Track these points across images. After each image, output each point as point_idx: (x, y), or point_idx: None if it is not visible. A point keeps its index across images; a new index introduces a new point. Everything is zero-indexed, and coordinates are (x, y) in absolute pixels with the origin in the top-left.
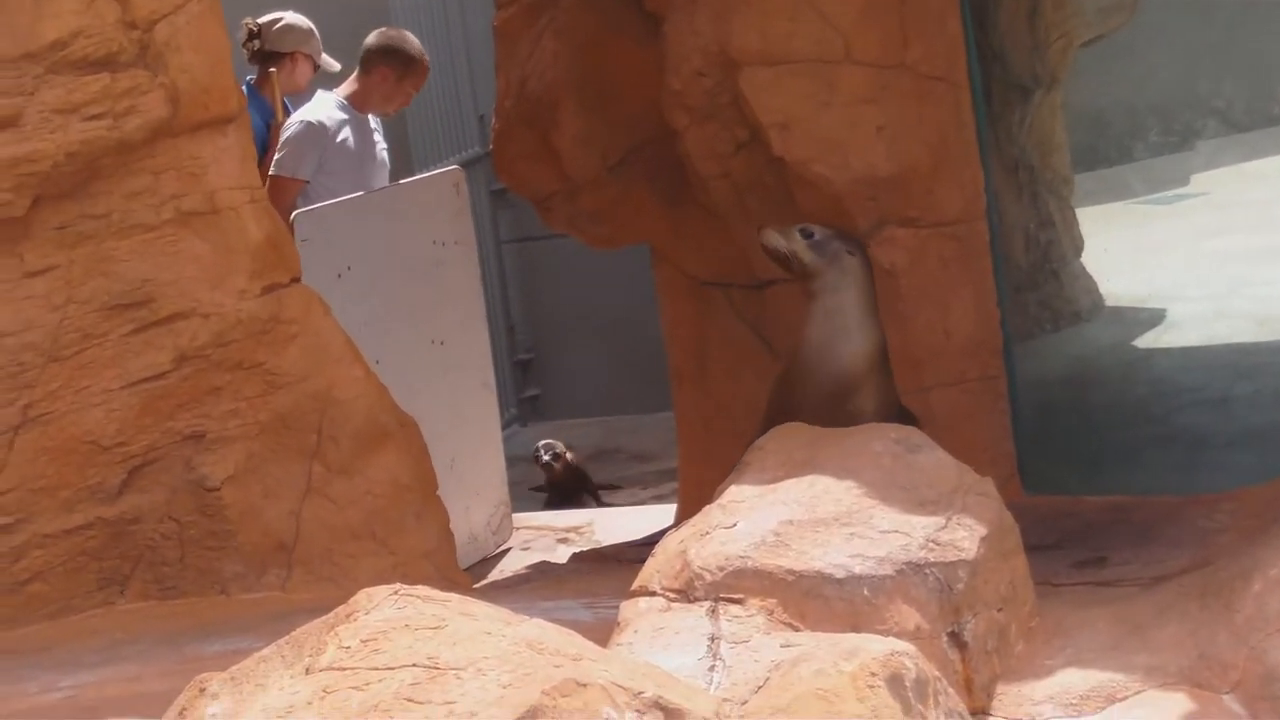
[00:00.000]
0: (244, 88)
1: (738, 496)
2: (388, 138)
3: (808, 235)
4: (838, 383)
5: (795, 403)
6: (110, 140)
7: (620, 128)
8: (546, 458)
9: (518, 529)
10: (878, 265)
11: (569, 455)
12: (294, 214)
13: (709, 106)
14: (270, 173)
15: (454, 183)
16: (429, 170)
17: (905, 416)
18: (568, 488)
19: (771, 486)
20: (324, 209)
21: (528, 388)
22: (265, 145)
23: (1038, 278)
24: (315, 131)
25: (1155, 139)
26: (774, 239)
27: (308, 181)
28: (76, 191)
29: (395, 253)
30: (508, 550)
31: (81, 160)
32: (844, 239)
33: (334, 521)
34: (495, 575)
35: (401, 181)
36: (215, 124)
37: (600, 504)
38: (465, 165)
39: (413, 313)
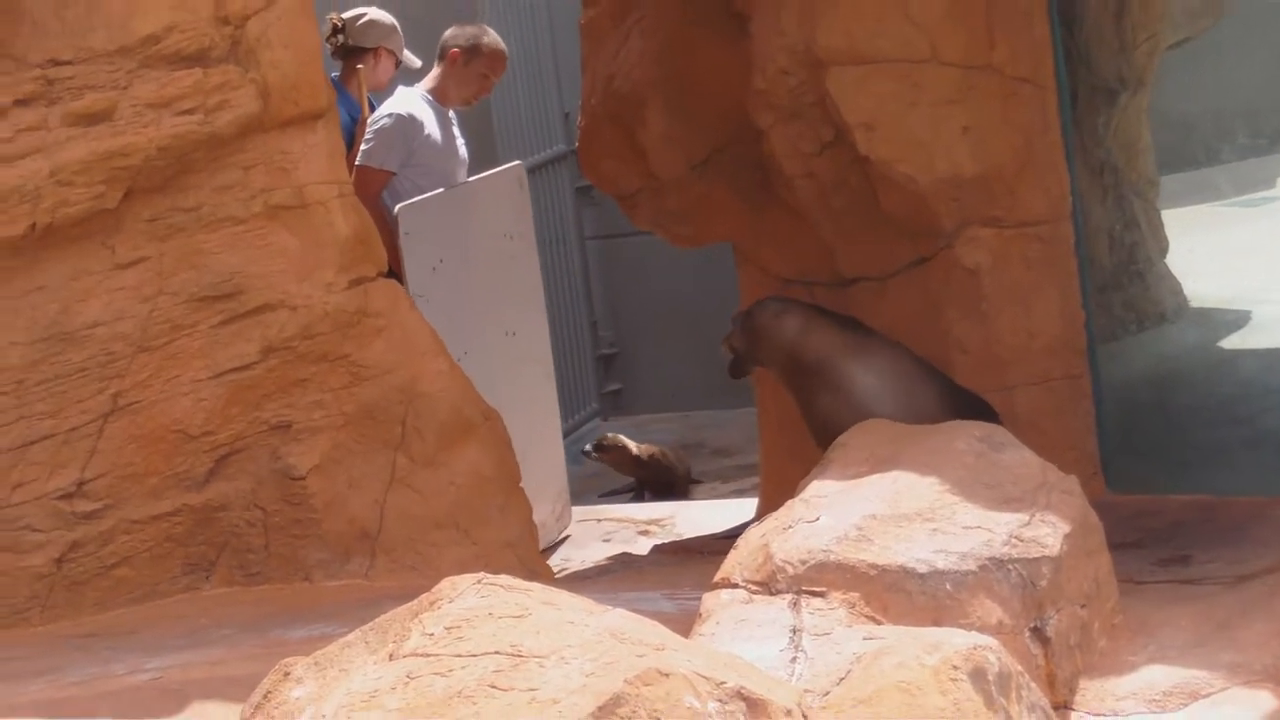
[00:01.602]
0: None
1: (821, 491)
2: (471, 134)
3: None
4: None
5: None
6: (201, 134)
7: (705, 126)
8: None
9: (600, 521)
10: (961, 265)
11: (636, 448)
12: (397, 207)
13: (794, 106)
14: (357, 163)
15: (517, 178)
16: None
17: (987, 413)
18: (653, 481)
19: (854, 482)
20: (424, 201)
21: (610, 382)
22: (351, 141)
23: (1122, 279)
24: (405, 124)
25: (1243, 141)
26: (725, 355)
27: (394, 174)
28: (167, 185)
29: (477, 246)
30: (567, 537)
31: (173, 154)
32: (754, 306)
33: (417, 512)
34: (577, 567)
35: (471, 179)
36: (305, 119)
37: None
38: (550, 162)
39: (490, 304)
